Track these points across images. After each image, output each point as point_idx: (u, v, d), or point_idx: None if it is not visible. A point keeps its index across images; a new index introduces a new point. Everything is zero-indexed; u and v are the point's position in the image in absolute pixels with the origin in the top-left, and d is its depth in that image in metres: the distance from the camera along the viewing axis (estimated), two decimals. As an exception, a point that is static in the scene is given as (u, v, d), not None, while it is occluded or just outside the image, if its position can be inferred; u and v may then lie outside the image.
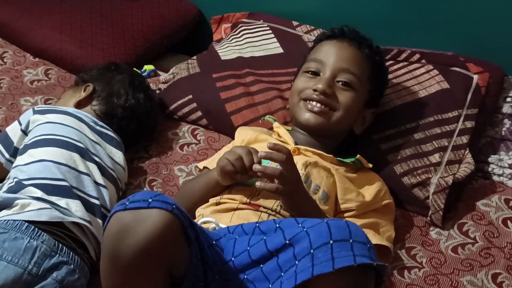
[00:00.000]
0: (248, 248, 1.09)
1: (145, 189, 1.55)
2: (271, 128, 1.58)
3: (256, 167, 1.23)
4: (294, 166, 1.27)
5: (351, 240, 1.00)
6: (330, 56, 1.47)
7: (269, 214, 1.28)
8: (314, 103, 1.44)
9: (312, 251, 1.00)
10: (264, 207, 1.28)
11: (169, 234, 1.02)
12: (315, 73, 1.48)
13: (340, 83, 1.45)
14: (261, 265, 1.07)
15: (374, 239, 1.33)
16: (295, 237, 1.03)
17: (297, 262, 1.01)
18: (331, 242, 0.99)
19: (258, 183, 1.24)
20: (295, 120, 1.50)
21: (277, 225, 1.12)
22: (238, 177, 1.29)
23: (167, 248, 1.03)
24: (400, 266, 1.38)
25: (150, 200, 1.02)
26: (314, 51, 1.54)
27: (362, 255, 1.00)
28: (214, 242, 1.13)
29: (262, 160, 1.26)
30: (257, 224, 1.16)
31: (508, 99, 1.69)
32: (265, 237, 1.09)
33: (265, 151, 1.24)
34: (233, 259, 1.11)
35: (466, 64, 1.69)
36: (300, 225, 1.06)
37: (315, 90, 1.44)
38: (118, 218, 1.02)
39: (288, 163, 1.24)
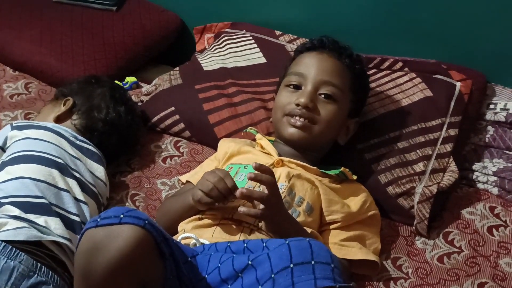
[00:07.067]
0: (219, 265, 1.09)
1: (127, 204, 1.53)
2: (254, 140, 1.57)
3: (243, 191, 1.20)
4: (278, 188, 1.25)
5: (313, 262, 0.99)
6: (310, 69, 1.46)
7: (252, 229, 1.26)
8: (297, 117, 1.43)
9: (273, 275, 0.99)
10: (246, 222, 1.27)
11: (142, 250, 1.00)
12: (297, 87, 1.46)
13: (322, 95, 1.44)
14: (229, 286, 1.06)
15: (360, 253, 1.32)
16: (257, 259, 1.03)
17: (260, 287, 1.00)
18: (291, 266, 0.99)
19: (241, 208, 1.21)
20: (279, 134, 1.48)
21: (245, 245, 1.12)
22: (216, 205, 1.27)
23: (140, 264, 1.01)
24: (386, 277, 1.37)
25: (121, 216, 1.00)
26: (295, 64, 1.52)
27: (324, 277, 0.98)
28: (189, 259, 1.11)
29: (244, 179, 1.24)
30: (229, 244, 1.16)
31: (491, 106, 1.69)
32: (234, 255, 1.09)
33: (254, 173, 1.20)
34: (206, 276, 1.09)
35: (449, 71, 1.69)
36: (264, 244, 1.06)
37: (297, 105, 1.43)
38: (89, 235, 1.01)
39: (275, 186, 1.23)
